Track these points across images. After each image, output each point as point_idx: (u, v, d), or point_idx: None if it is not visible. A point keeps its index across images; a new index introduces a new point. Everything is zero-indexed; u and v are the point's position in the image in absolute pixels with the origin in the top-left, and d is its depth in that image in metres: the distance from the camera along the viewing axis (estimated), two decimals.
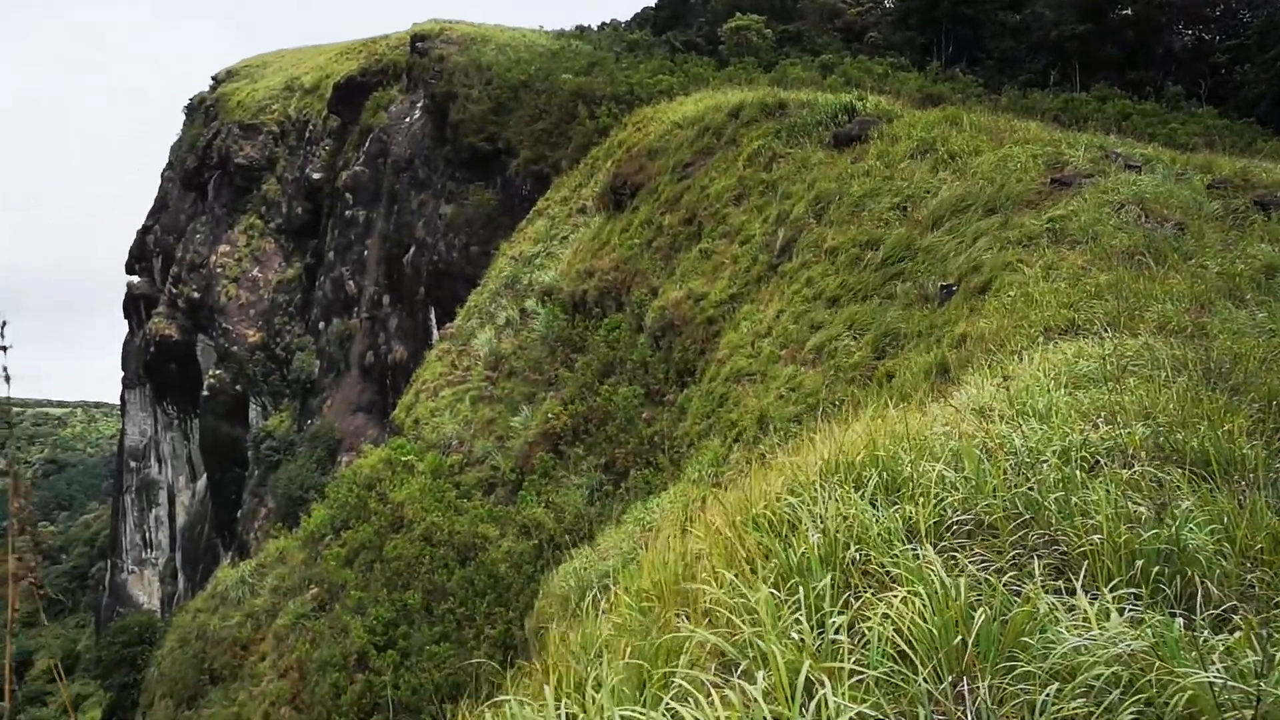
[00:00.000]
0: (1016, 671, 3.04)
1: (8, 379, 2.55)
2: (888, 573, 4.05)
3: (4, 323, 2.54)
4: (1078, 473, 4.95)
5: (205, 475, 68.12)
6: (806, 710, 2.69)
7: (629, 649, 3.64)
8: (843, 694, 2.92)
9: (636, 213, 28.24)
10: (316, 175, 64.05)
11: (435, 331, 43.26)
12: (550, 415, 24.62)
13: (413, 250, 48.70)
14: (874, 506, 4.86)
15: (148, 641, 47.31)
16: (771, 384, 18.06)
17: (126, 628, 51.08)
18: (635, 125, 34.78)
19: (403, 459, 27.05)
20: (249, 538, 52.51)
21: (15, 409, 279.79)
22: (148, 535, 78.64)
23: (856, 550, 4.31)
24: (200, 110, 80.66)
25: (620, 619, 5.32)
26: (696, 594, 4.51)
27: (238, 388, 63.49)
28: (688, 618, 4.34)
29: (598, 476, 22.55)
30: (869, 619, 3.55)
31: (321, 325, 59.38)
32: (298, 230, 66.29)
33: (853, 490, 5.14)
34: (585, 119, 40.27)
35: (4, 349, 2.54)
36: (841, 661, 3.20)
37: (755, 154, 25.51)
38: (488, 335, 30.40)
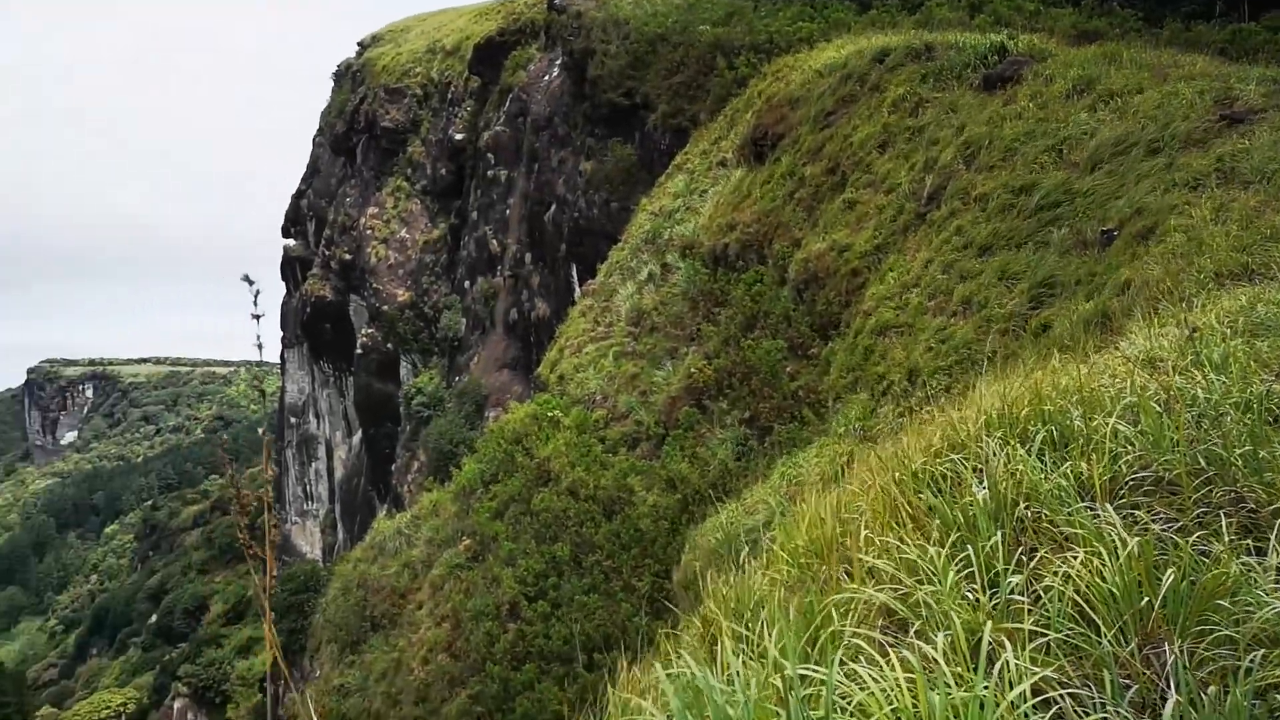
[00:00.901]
0: (1214, 635, 2.89)
1: (260, 347, 2.59)
2: (1060, 531, 3.91)
3: (258, 290, 2.57)
4: (1265, 427, 4.67)
5: (360, 430, 70.76)
6: (991, 673, 2.61)
7: (796, 606, 3.60)
8: (1024, 656, 2.83)
9: (777, 164, 27.86)
10: (459, 136, 65.16)
11: (577, 288, 43.71)
12: (693, 370, 24.66)
13: (553, 208, 49.20)
14: (1041, 462, 4.70)
15: (312, 589, 49.59)
16: (920, 336, 17.67)
17: (293, 576, 53.57)
18: (775, 75, 34.21)
19: (548, 414, 27.51)
20: (403, 490, 54.41)
21: (184, 369, 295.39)
22: (308, 488, 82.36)
23: (1026, 507, 4.17)
24: (347, 76, 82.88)
25: (777, 575, 5.30)
26: (856, 551, 4.44)
27: (389, 346, 65.54)
28: (849, 575, 4.28)
29: (741, 431, 22.52)
30: (1043, 578, 3.44)
31: (467, 284, 60.70)
32: (442, 191, 67.70)
33: (1018, 445, 4.98)
34: (724, 70, 39.79)
35: (257, 318, 2.57)
36: (1019, 622, 3.10)
37: (900, 100, 24.82)
38: (629, 291, 30.56)
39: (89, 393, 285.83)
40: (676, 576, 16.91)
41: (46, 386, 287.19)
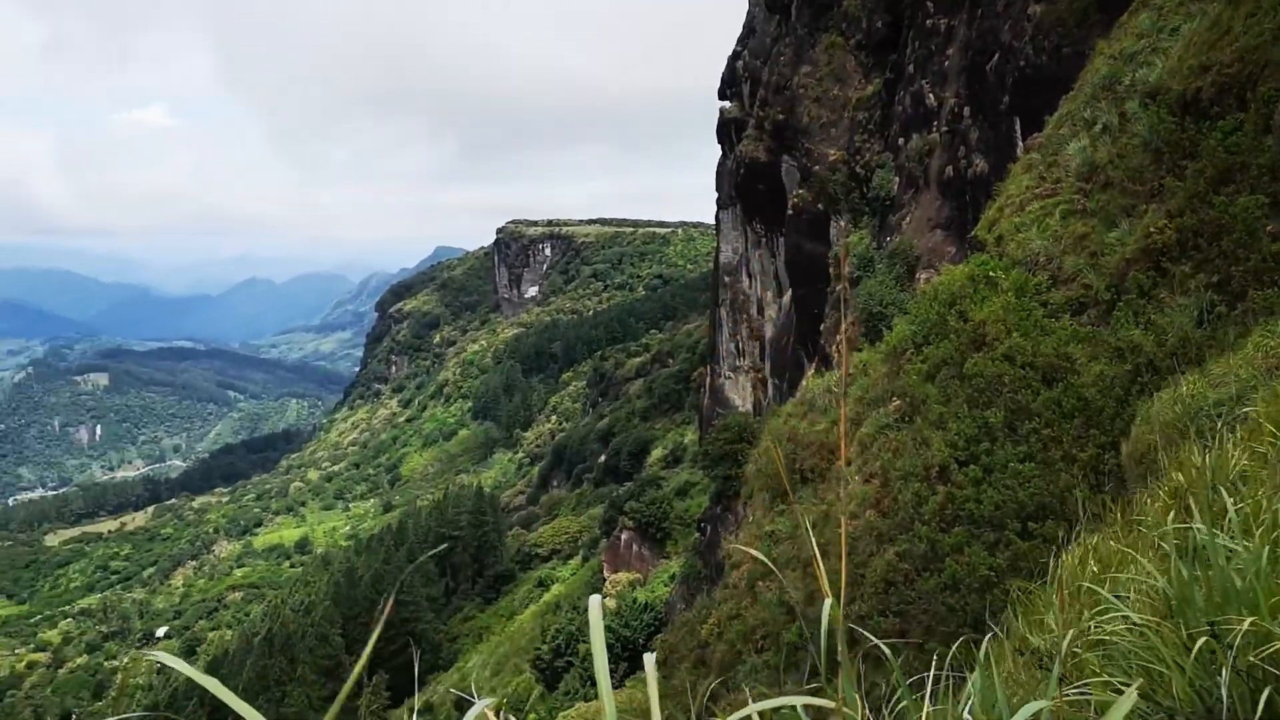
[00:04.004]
0: None
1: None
2: None
3: None
4: None
5: (790, 290, 72.03)
6: None
7: None
8: None
9: None
10: None
11: (1019, 143, 41.06)
12: (1153, 229, 22.48)
13: (996, 57, 46.17)
14: None
15: (745, 440, 51.91)
16: None
17: (727, 427, 56.36)
18: None
19: (985, 276, 26.38)
20: (831, 350, 55.01)
21: (627, 229, 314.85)
22: (740, 345, 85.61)
23: None
24: None
25: (1260, 447, 4.76)
26: None
27: (819, 206, 65.52)
28: None
29: (1208, 297, 20.34)
30: None
31: (900, 141, 58.94)
32: (877, 45, 65.61)
33: None
34: None
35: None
36: None
37: None
38: (1081, 143, 28.19)
39: (547, 251, 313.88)
40: (1126, 449, 15.82)
41: (512, 245, 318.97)
